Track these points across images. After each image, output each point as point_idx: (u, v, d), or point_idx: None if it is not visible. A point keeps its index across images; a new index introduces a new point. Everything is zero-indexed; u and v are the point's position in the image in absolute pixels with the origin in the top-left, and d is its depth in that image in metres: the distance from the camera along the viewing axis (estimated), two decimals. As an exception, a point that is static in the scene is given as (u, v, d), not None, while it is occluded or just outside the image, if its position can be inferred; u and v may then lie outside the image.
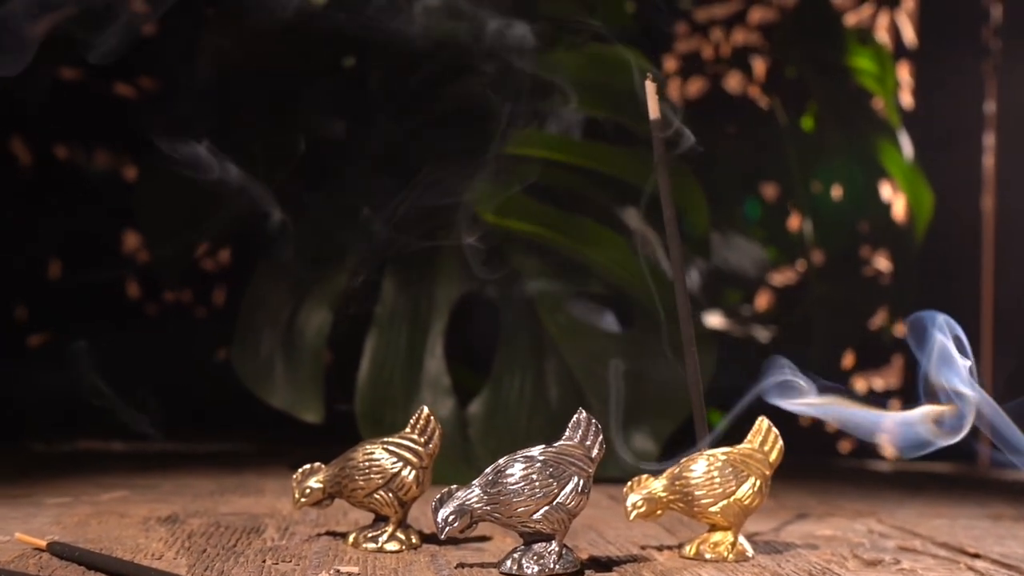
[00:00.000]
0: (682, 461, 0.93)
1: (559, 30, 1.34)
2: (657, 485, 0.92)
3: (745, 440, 0.93)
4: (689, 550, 0.92)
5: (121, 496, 1.23)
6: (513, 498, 0.83)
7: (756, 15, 2.23)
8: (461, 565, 0.87)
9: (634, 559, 0.92)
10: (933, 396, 0.92)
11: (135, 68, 2.03)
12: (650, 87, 0.93)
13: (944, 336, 0.91)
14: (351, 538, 0.95)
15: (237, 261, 2.13)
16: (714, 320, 2.02)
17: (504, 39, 1.27)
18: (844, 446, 2.14)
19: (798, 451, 1.23)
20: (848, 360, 2.12)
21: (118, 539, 0.95)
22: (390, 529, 0.94)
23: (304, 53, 1.50)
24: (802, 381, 0.93)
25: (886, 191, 2.14)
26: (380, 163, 1.48)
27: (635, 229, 1.51)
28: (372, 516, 0.95)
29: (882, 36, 2.19)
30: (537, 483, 0.83)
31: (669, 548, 0.97)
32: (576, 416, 0.86)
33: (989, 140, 2.08)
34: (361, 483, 0.93)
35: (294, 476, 0.97)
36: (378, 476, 0.93)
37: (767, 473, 0.92)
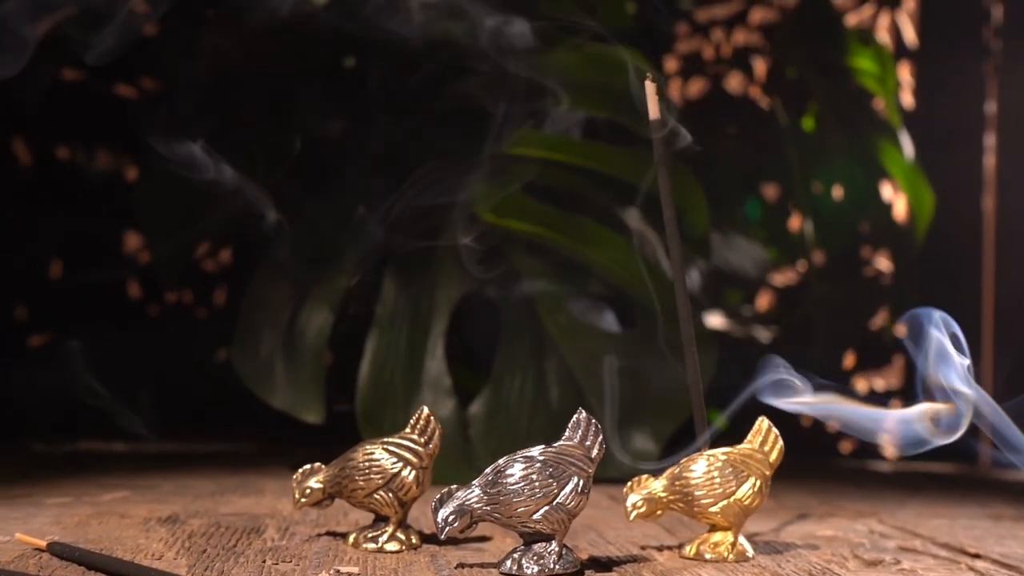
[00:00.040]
0: (682, 461, 0.93)
1: (559, 30, 1.33)
2: (657, 485, 0.92)
3: (745, 440, 0.93)
4: (689, 550, 0.92)
5: (122, 496, 1.23)
6: (513, 498, 0.83)
7: (757, 15, 2.23)
8: (461, 565, 0.87)
9: (634, 559, 0.92)
10: (931, 394, 0.92)
11: (135, 68, 2.03)
12: (650, 87, 0.93)
13: (941, 333, 0.91)
14: (351, 538, 0.95)
15: (238, 261, 2.13)
16: (715, 320, 2.02)
17: (503, 39, 1.27)
18: (845, 446, 2.14)
19: (799, 451, 1.23)
20: (849, 360, 2.12)
21: (118, 539, 0.95)
22: (390, 529, 0.94)
23: (302, 53, 1.50)
24: (797, 380, 0.93)
25: (887, 191, 2.14)
26: (379, 163, 1.48)
27: (635, 229, 1.51)
28: (372, 516, 0.95)
29: (883, 36, 2.19)
30: (537, 483, 0.83)
31: (669, 548, 0.97)
32: (576, 416, 0.86)
33: (990, 140, 2.08)
34: (361, 483, 0.93)
35: (294, 476, 0.97)
36: (378, 476, 0.93)
37: (767, 473, 0.92)
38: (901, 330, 0.95)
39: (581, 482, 0.84)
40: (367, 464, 0.93)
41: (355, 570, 0.84)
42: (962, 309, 2.00)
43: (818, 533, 1.08)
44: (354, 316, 1.47)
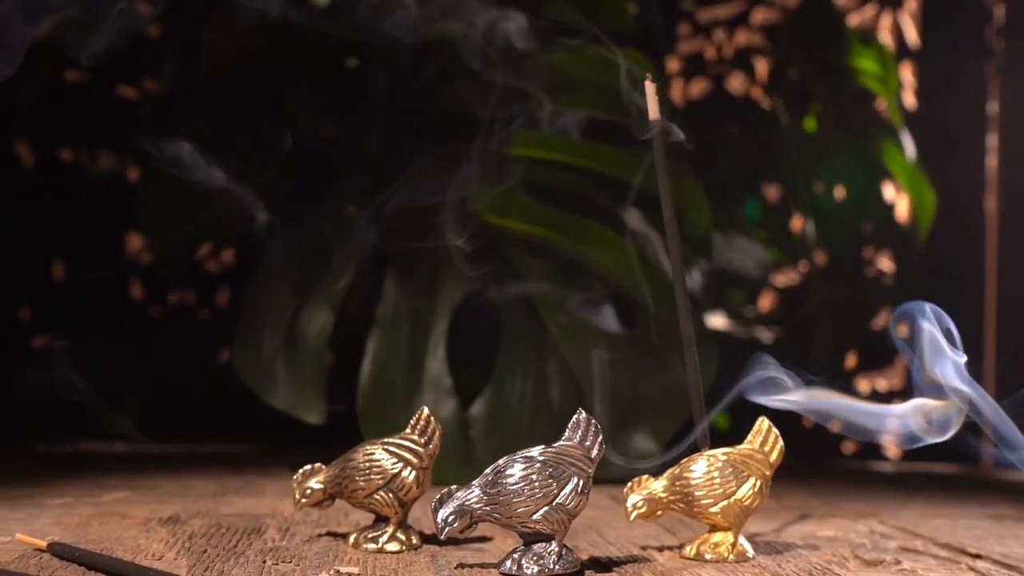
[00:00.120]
0: (682, 462, 0.93)
1: (559, 31, 1.33)
2: (657, 486, 0.92)
3: (745, 440, 0.93)
4: (689, 550, 0.92)
5: (122, 497, 1.23)
6: (513, 498, 0.83)
7: (758, 16, 2.23)
8: (461, 565, 0.87)
9: (634, 559, 0.92)
10: (925, 390, 0.92)
11: (137, 69, 2.03)
12: (649, 88, 0.93)
13: (935, 329, 0.91)
14: (351, 539, 0.95)
15: (240, 262, 2.13)
16: (717, 321, 2.02)
17: (501, 40, 1.27)
18: (847, 447, 2.13)
19: (800, 452, 1.23)
20: (851, 360, 2.12)
21: (119, 540, 0.95)
22: (390, 530, 0.94)
23: (302, 53, 1.50)
24: (786, 377, 0.93)
25: (889, 192, 2.14)
26: (374, 163, 1.48)
27: (636, 229, 1.51)
28: (373, 517, 0.95)
29: (885, 37, 2.19)
30: (537, 483, 0.83)
31: (670, 548, 0.97)
32: (576, 417, 0.86)
33: (992, 141, 2.08)
34: (361, 484, 0.93)
35: (295, 477, 0.97)
36: (378, 477, 0.93)
37: (767, 473, 0.92)
38: (903, 331, 0.94)
39: (581, 482, 0.84)
40: (367, 464, 0.93)
41: (355, 570, 0.84)
42: (964, 309, 2.01)
43: (819, 533, 1.07)
44: (354, 317, 1.46)
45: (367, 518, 0.98)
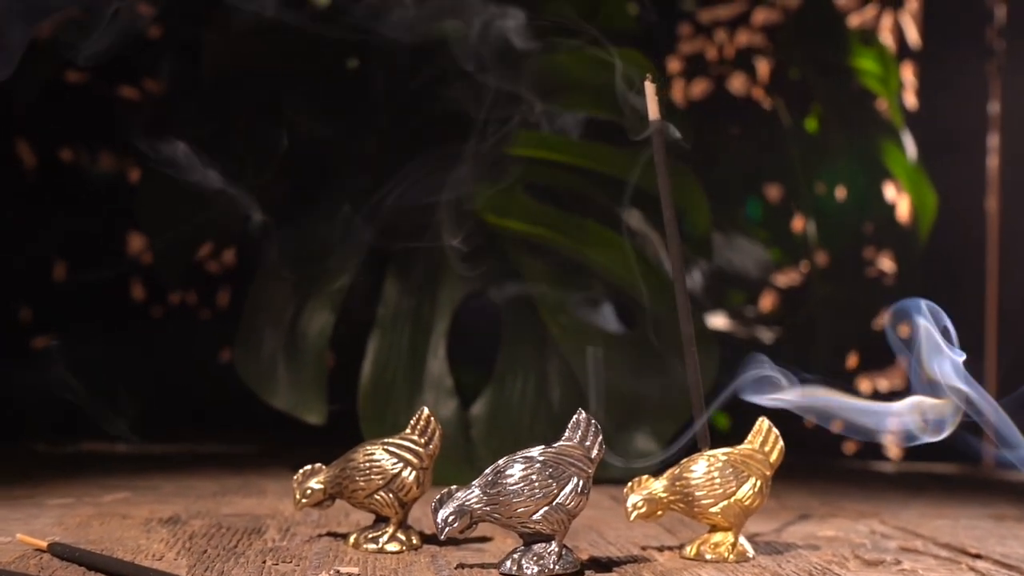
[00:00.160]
0: (682, 462, 0.93)
1: (558, 31, 1.33)
2: (657, 486, 0.92)
3: (746, 441, 0.93)
4: (690, 551, 0.92)
5: (123, 497, 1.23)
6: (513, 499, 0.83)
7: (760, 16, 2.23)
8: (461, 566, 0.87)
9: (634, 560, 0.92)
10: (922, 388, 0.92)
11: (136, 70, 2.03)
12: (649, 88, 0.93)
13: (931, 325, 0.91)
14: (352, 539, 0.95)
15: (241, 263, 2.14)
16: (717, 321, 2.02)
17: (501, 40, 1.27)
18: (848, 447, 2.13)
19: (801, 452, 1.23)
20: (852, 360, 2.12)
21: (119, 540, 0.95)
22: (391, 530, 0.94)
23: (297, 54, 1.50)
24: (780, 376, 0.93)
25: (890, 192, 2.14)
26: (375, 164, 1.48)
27: (636, 229, 1.51)
28: (373, 517, 0.95)
29: (886, 37, 2.19)
30: (536, 484, 0.83)
31: (670, 549, 0.97)
32: (575, 417, 0.86)
33: (993, 141, 2.08)
34: (362, 484, 0.93)
35: (295, 477, 0.97)
36: (378, 477, 0.93)
37: (767, 474, 0.92)
38: (900, 328, 0.94)
39: (581, 482, 0.84)
40: (367, 465, 0.93)
41: (355, 570, 0.84)
42: (965, 309, 2.01)
43: (819, 533, 1.07)
44: (355, 317, 1.46)
45: (367, 518, 0.98)
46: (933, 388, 0.91)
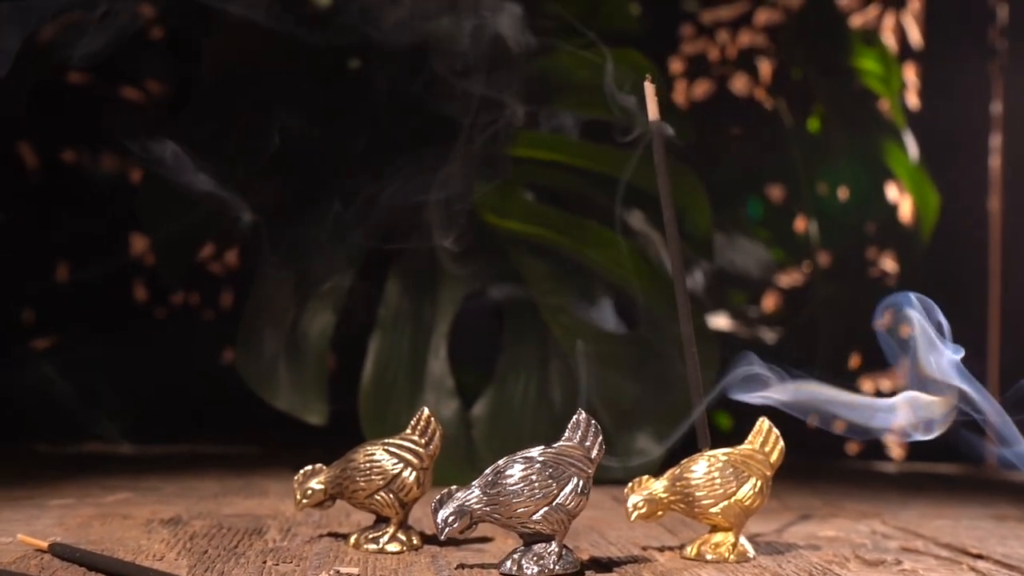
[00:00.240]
0: (683, 462, 0.93)
1: (560, 32, 1.34)
2: (658, 486, 0.92)
3: (746, 441, 0.93)
4: (690, 551, 0.92)
5: (124, 498, 1.23)
6: (513, 499, 0.83)
7: (762, 17, 2.23)
8: (461, 566, 0.87)
9: (635, 560, 0.92)
10: (917, 384, 0.92)
11: (135, 71, 2.04)
12: (649, 88, 0.93)
13: (925, 321, 0.91)
14: (352, 539, 0.95)
15: (244, 264, 2.14)
16: (719, 321, 2.02)
17: (499, 41, 1.27)
18: (850, 447, 2.13)
19: (802, 452, 1.23)
20: (854, 361, 2.12)
21: (120, 540, 0.96)
22: (391, 530, 0.94)
23: (293, 55, 1.50)
24: (768, 373, 0.93)
25: (892, 192, 2.14)
26: (374, 165, 1.48)
27: (637, 230, 1.51)
28: (374, 517, 0.96)
29: (888, 37, 2.19)
30: (536, 484, 0.83)
31: (670, 549, 0.97)
32: (575, 417, 0.86)
33: (995, 141, 2.08)
34: (362, 484, 0.93)
35: (295, 477, 0.97)
36: (379, 477, 0.93)
37: (768, 474, 0.92)
38: (891, 323, 0.94)
39: (581, 483, 0.84)
40: (368, 465, 0.93)
41: (355, 571, 0.84)
42: (968, 310, 2.01)
43: (820, 534, 1.07)
44: (355, 319, 1.46)
45: (368, 519, 0.98)
46: (928, 384, 0.91)
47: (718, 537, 0.92)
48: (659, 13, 2.08)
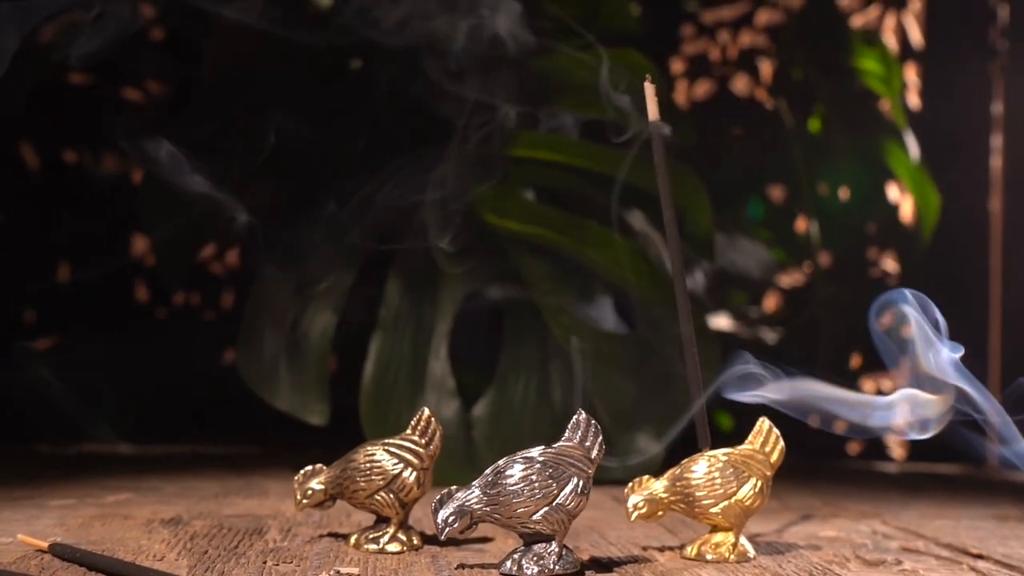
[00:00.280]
0: (683, 462, 0.93)
1: (559, 33, 1.34)
2: (658, 486, 0.92)
3: (746, 441, 0.93)
4: (691, 551, 0.92)
5: (125, 498, 1.23)
6: (513, 499, 0.83)
7: (763, 17, 2.23)
8: (462, 566, 0.87)
9: (635, 560, 0.92)
10: (914, 381, 0.92)
11: (135, 71, 2.04)
12: (649, 89, 0.93)
13: (922, 319, 0.91)
14: (352, 539, 0.95)
15: (246, 264, 2.14)
16: (720, 322, 2.02)
17: (498, 41, 1.28)
18: (852, 448, 2.13)
19: (803, 452, 1.23)
20: (856, 361, 2.12)
21: (121, 541, 0.96)
22: (391, 530, 0.94)
23: (292, 55, 1.50)
24: (763, 372, 0.93)
25: (893, 192, 2.13)
26: (375, 165, 1.48)
27: (638, 230, 1.51)
28: (374, 517, 0.96)
29: (889, 37, 2.19)
30: (536, 484, 0.83)
31: (671, 549, 0.97)
32: (575, 417, 0.86)
33: (996, 141, 2.08)
34: (362, 484, 0.93)
35: (296, 478, 0.97)
36: (379, 477, 0.93)
37: (768, 474, 0.92)
38: (908, 331, 0.94)
39: (581, 483, 0.84)
40: (368, 465, 0.93)
41: (355, 571, 0.84)
42: (969, 310, 2.01)
43: (821, 534, 1.07)
44: (355, 320, 1.46)
45: (369, 519, 0.98)
46: (926, 382, 0.91)
47: (718, 537, 0.92)
48: (660, 13, 2.08)
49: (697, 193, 1.48)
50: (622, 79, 1.10)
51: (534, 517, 0.83)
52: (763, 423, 0.94)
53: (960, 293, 2.06)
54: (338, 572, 0.83)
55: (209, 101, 1.56)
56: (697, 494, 0.91)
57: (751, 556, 0.92)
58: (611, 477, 1.11)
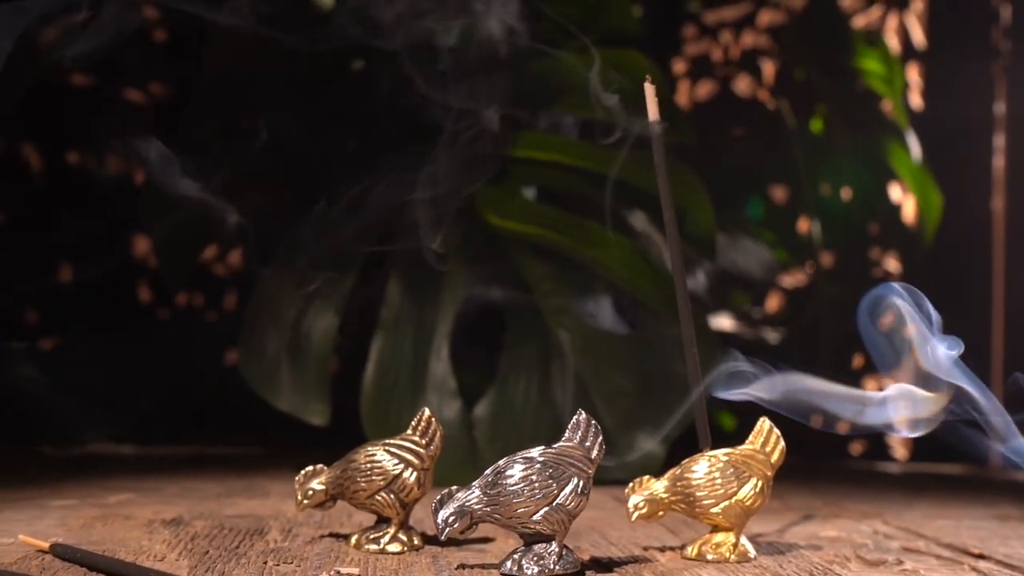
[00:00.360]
0: (684, 462, 0.93)
1: (557, 34, 1.34)
2: (659, 486, 0.91)
3: (747, 441, 0.93)
4: (691, 551, 0.92)
5: (127, 499, 1.24)
6: (513, 499, 0.83)
7: (765, 18, 2.23)
8: (462, 566, 0.87)
9: (635, 560, 0.92)
10: (912, 378, 0.92)
11: (138, 72, 2.04)
12: (649, 89, 0.93)
13: (916, 315, 0.90)
14: (353, 539, 0.95)
15: (248, 265, 2.14)
16: (722, 322, 2.02)
17: (498, 42, 1.28)
18: (854, 448, 2.13)
19: (804, 452, 1.23)
20: (858, 361, 2.12)
21: (122, 541, 0.96)
22: (392, 530, 0.94)
23: (291, 57, 1.50)
24: (752, 370, 0.92)
25: (895, 192, 2.13)
26: (374, 166, 1.48)
27: (639, 230, 1.51)
28: (375, 518, 0.96)
29: (891, 38, 2.19)
30: (537, 484, 0.83)
31: (671, 549, 0.97)
32: (576, 417, 0.86)
33: (999, 141, 2.08)
34: (363, 485, 0.93)
35: (296, 478, 0.97)
36: (379, 478, 0.93)
37: (769, 474, 0.92)
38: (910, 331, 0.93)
39: (581, 483, 0.84)
40: (369, 466, 0.93)
41: (356, 571, 0.84)
42: (972, 310, 2.01)
43: (822, 534, 1.07)
44: (352, 322, 1.46)
45: (370, 519, 0.98)
46: (923, 379, 0.91)
47: (719, 537, 0.92)
48: (662, 14, 2.09)
49: (698, 193, 1.48)
50: (621, 80, 1.10)
51: (534, 517, 0.83)
52: (763, 423, 0.93)
53: (962, 293, 2.06)
54: (338, 572, 0.83)
55: (208, 102, 1.56)
56: (698, 494, 0.91)
57: (752, 556, 0.92)
58: (612, 477, 1.11)
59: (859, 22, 2.21)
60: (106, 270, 1.98)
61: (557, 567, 0.83)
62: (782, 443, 0.93)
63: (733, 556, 0.91)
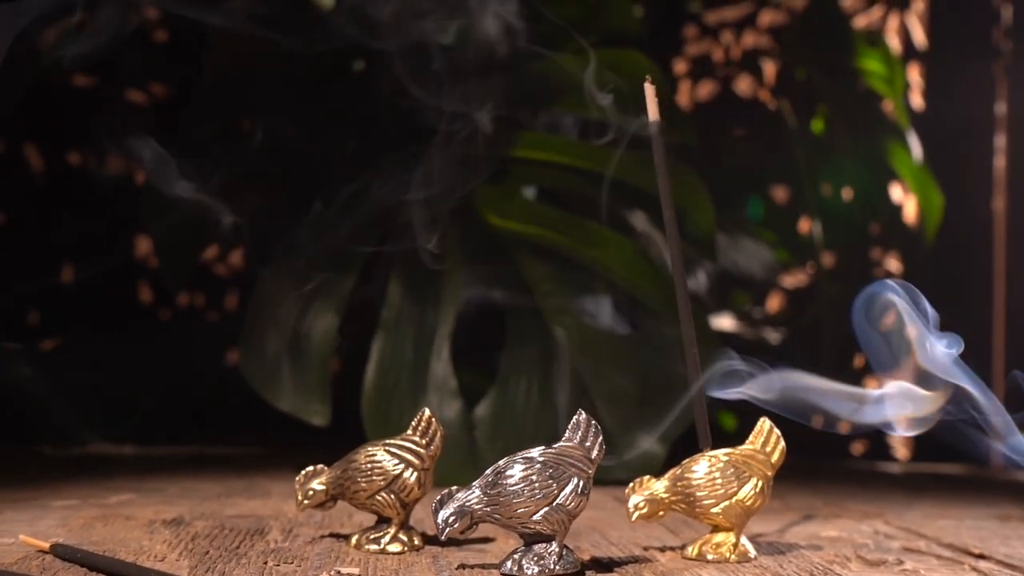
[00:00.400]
0: (684, 462, 0.93)
1: (563, 33, 1.34)
2: (659, 486, 0.91)
3: (747, 441, 0.93)
4: (692, 551, 0.92)
5: (128, 499, 1.24)
6: (513, 499, 0.83)
7: (766, 18, 2.23)
8: (462, 566, 0.87)
9: (635, 560, 0.92)
10: (906, 376, 0.92)
11: (145, 73, 2.04)
12: (649, 89, 0.93)
13: (913, 312, 0.90)
14: (353, 539, 0.95)
15: (249, 265, 2.14)
16: (723, 322, 2.02)
17: (497, 42, 1.28)
18: (855, 448, 2.13)
19: (804, 452, 1.23)
20: (859, 361, 2.12)
21: (122, 541, 0.96)
22: (392, 531, 0.94)
23: (290, 58, 1.50)
24: (747, 369, 0.92)
25: (896, 193, 2.13)
26: (374, 166, 1.48)
27: (640, 230, 1.51)
28: (375, 518, 0.96)
29: (892, 38, 2.19)
30: (537, 484, 0.83)
31: (672, 549, 0.97)
32: (576, 417, 0.86)
33: (1000, 141, 2.08)
34: (363, 485, 0.93)
35: (297, 478, 0.97)
36: (380, 478, 0.93)
37: (769, 474, 0.92)
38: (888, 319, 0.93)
39: (581, 483, 0.84)
40: (369, 466, 0.93)
41: (356, 571, 0.84)
42: (973, 310, 2.01)
43: (822, 534, 1.07)
44: (353, 322, 1.46)
45: (370, 519, 0.98)
46: (921, 377, 0.90)
47: (719, 537, 0.92)
48: (662, 14, 2.09)
49: (698, 193, 1.48)
50: (614, 80, 1.10)
51: (534, 517, 0.83)
52: (764, 423, 0.93)
53: (963, 293, 2.06)
54: (339, 572, 0.83)
55: (209, 102, 1.56)
56: (698, 494, 0.91)
57: (752, 556, 0.92)
58: (612, 477, 1.11)
59: (860, 22, 2.21)
60: (106, 270, 1.98)
61: (557, 567, 0.83)
62: (782, 443, 0.93)
63: (733, 556, 0.91)
